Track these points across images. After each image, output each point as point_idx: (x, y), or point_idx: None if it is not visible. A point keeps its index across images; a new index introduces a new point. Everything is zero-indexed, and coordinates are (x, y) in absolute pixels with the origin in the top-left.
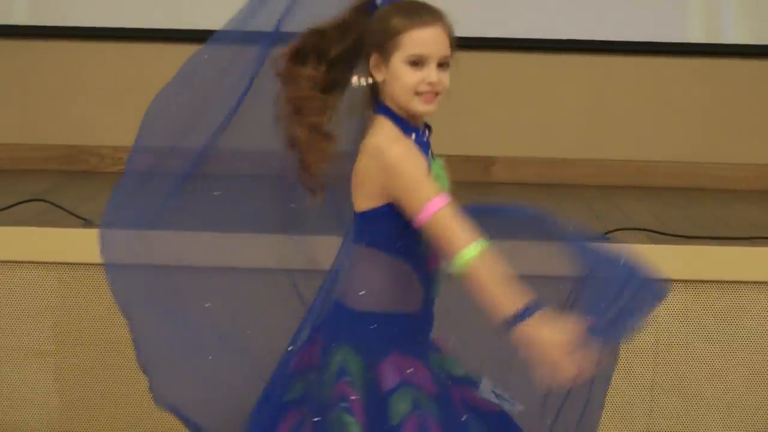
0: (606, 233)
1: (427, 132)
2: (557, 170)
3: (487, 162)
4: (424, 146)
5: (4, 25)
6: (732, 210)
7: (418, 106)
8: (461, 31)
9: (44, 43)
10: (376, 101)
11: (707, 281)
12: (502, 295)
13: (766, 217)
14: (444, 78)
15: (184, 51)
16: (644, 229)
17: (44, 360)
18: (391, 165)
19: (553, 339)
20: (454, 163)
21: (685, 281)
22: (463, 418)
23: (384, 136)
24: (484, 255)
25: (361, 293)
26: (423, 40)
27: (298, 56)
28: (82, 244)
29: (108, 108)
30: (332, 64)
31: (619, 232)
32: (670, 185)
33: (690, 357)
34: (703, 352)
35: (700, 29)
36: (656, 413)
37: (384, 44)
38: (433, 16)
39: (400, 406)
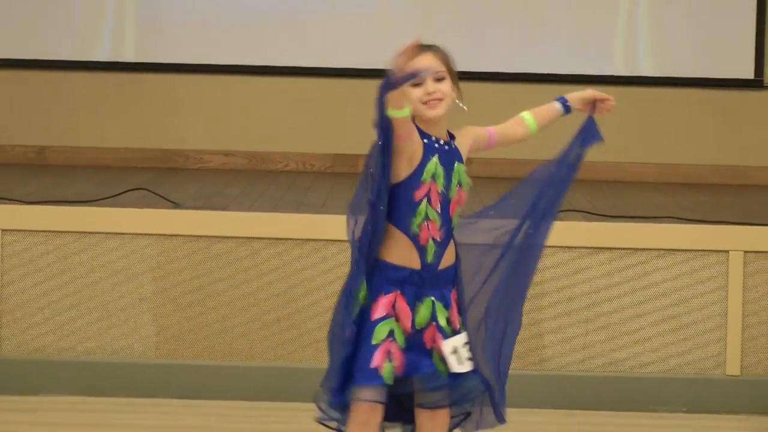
0: None
1: (442, 140)
2: (510, 168)
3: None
4: (432, 150)
5: (118, 62)
6: (643, 197)
7: (427, 112)
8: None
9: (146, 75)
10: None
11: (623, 248)
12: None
13: (667, 202)
14: (441, 86)
15: (242, 81)
16: (581, 210)
17: (145, 304)
18: None
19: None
20: None
21: (610, 248)
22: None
23: None
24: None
25: (383, 249)
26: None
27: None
28: (173, 220)
29: (191, 121)
30: None
31: (563, 213)
32: (599, 179)
33: (612, 303)
34: (622, 300)
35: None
36: (588, 347)
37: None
38: (427, 50)
39: (380, 333)
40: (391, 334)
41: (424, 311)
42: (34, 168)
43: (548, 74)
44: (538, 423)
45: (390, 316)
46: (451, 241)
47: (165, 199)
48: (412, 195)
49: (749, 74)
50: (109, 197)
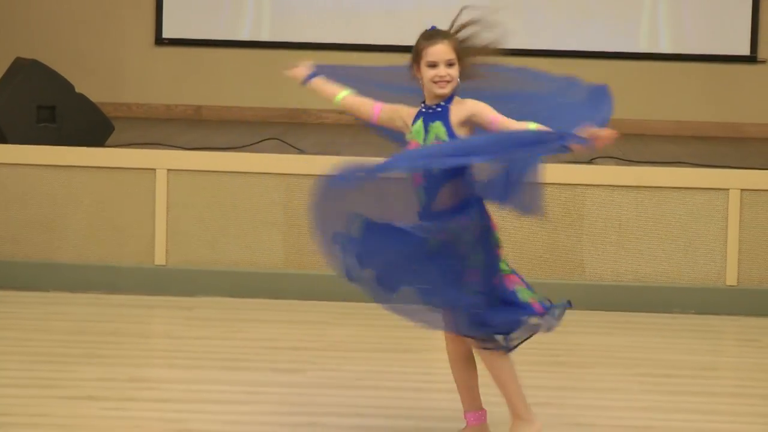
0: (590, 160)
1: (434, 105)
2: None
3: None
4: (421, 114)
5: (257, 41)
6: (661, 147)
7: (436, 90)
8: None
9: (277, 51)
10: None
11: (646, 186)
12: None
13: (680, 151)
14: (451, 71)
15: (349, 55)
16: (613, 157)
17: (276, 228)
18: None
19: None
20: None
21: (636, 186)
22: None
23: None
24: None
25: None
26: (433, 52)
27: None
28: (298, 163)
29: None
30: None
31: (599, 158)
32: (627, 132)
33: (637, 229)
34: (645, 227)
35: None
36: (619, 262)
37: (418, 58)
38: (441, 37)
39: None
40: None
41: None
42: (192, 122)
43: (585, 51)
44: (577, 321)
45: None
46: (448, 186)
47: (292, 146)
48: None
49: (746, 51)
50: (250, 144)
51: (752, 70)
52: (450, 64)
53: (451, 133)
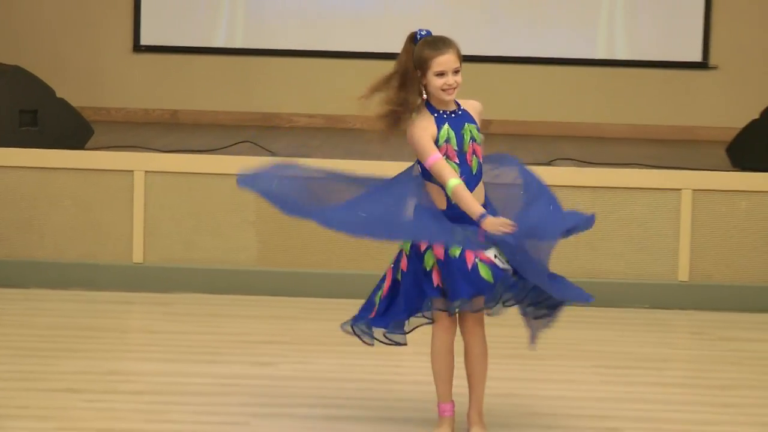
0: (549, 162)
1: (449, 110)
2: (521, 127)
3: None
4: (442, 120)
5: (230, 48)
6: (617, 149)
7: (444, 96)
8: None
9: (250, 57)
10: (424, 96)
11: (602, 187)
12: (473, 205)
13: (635, 153)
14: (457, 78)
15: (320, 62)
16: (571, 159)
17: (248, 227)
18: (410, 142)
19: (494, 221)
20: None
21: (593, 187)
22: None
23: (413, 124)
24: (459, 184)
25: (425, 199)
26: (442, 62)
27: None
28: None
29: (284, 91)
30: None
31: (558, 161)
32: (585, 135)
33: (594, 227)
34: (601, 225)
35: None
36: (575, 259)
37: (424, 67)
38: (447, 45)
39: (429, 260)
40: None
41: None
42: (169, 126)
43: (545, 57)
44: None
45: (429, 249)
46: (479, 188)
47: (264, 149)
48: None
49: (698, 57)
50: (224, 147)
51: (704, 75)
52: (456, 72)
53: (479, 130)
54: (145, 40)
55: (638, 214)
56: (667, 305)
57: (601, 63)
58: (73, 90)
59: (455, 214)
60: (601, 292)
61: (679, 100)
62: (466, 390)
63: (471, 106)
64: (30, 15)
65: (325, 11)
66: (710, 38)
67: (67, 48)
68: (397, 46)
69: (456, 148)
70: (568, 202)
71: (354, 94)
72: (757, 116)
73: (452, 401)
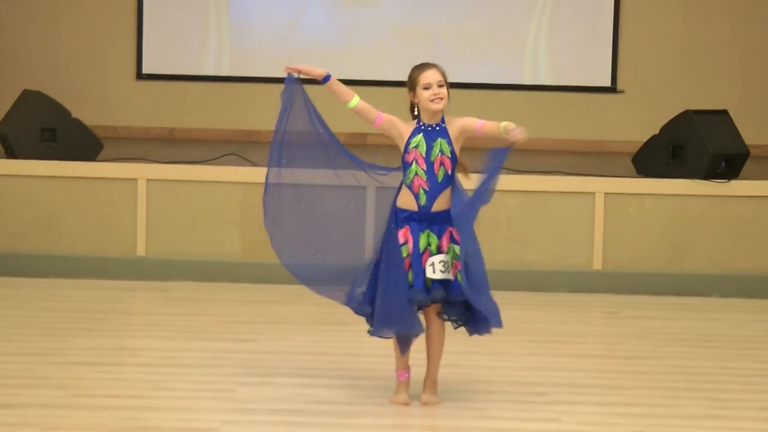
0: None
1: (431, 125)
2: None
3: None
4: (419, 130)
5: (219, 75)
6: (542, 159)
7: (432, 106)
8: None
9: (236, 84)
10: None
11: (529, 191)
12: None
13: (556, 162)
14: (442, 90)
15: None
16: (504, 167)
17: (234, 226)
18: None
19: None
20: None
21: (522, 191)
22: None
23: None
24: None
25: (398, 199)
26: (426, 77)
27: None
28: (253, 174)
29: (264, 111)
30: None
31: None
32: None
33: (523, 224)
34: (528, 223)
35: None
36: (507, 252)
37: (414, 85)
38: (430, 65)
39: (404, 251)
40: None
41: (423, 239)
42: (167, 141)
43: (480, 83)
44: None
45: (405, 243)
46: (444, 194)
47: (247, 160)
48: (404, 158)
49: (608, 83)
50: (213, 159)
51: (613, 98)
52: (440, 85)
53: (451, 146)
54: (146, 69)
55: (560, 213)
56: (585, 289)
57: (528, 87)
58: (86, 111)
59: (426, 214)
60: (530, 279)
61: (592, 118)
62: (424, 362)
63: (455, 124)
64: (49, 49)
65: (297, 44)
66: (618, 67)
67: (80, 76)
68: (358, 73)
69: (424, 156)
70: (501, 204)
71: (323, 113)
72: (657, 132)
73: (408, 367)
